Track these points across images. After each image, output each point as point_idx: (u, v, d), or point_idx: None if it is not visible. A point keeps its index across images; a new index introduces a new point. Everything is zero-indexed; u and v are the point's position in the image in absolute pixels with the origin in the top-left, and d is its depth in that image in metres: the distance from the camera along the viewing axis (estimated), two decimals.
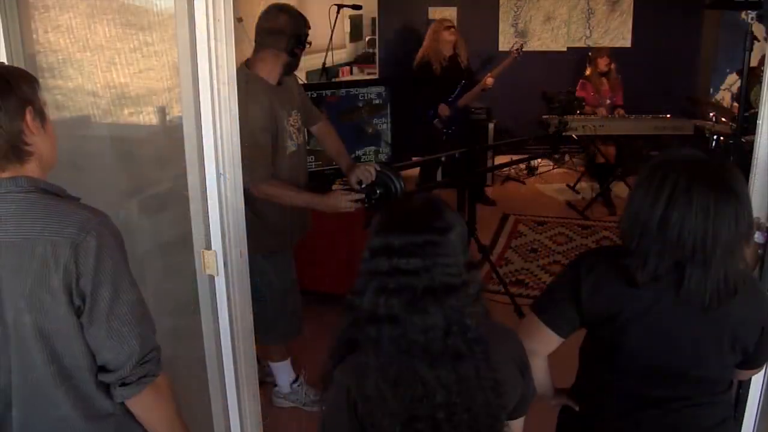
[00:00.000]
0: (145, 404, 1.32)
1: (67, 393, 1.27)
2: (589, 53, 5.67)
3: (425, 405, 1.17)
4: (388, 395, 1.18)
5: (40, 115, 1.30)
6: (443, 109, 4.90)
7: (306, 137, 2.72)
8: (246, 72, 2.40)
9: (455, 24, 5.30)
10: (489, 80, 4.87)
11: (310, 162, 3.22)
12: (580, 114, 5.32)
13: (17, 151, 1.25)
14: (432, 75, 4.89)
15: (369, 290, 1.19)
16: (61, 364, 1.25)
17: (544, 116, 5.08)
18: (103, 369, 1.28)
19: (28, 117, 1.25)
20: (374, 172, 2.49)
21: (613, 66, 5.49)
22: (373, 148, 3.79)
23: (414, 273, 1.16)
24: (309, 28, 2.49)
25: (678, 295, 1.32)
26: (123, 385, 1.28)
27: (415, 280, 1.16)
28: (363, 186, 2.50)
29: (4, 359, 1.27)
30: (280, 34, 2.40)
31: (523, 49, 5.07)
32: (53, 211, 1.25)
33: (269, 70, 2.44)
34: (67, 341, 1.25)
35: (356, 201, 2.42)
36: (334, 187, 3.32)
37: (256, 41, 2.46)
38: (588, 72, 5.59)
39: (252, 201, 2.34)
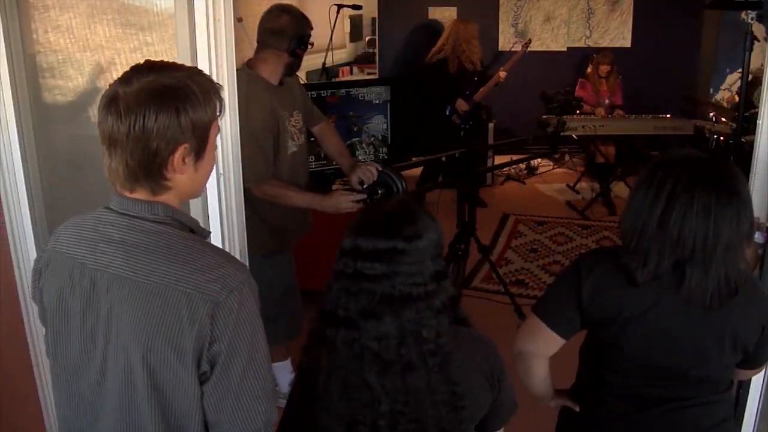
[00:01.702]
0: None
1: None
2: (594, 54, 5.67)
3: (369, 411, 1.17)
4: (334, 396, 1.19)
5: (198, 150, 1.11)
6: (461, 104, 4.91)
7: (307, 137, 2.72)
8: (248, 72, 2.40)
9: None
10: (502, 74, 4.96)
11: (309, 162, 3.22)
12: (580, 114, 5.32)
13: (150, 183, 1.10)
14: (447, 72, 4.90)
15: (333, 290, 1.20)
16: (168, 424, 1.10)
17: (544, 116, 5.08)
18: None
19: (177, 155, 1.08)
20: (376, 172, 2.49)
21: (612, 68, 5.50)
22: (356, 139, 3.81)
23: (376, 279, 1.16)
24: (311, 28, 2.50)
25: (678, 295, 1.32)
26: None
27: (376, 287, 1.16)
28: (364, 186, 2.50)
29: (89, 398, 1.15)
30: (282, 34, 2.40)
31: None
32: (193, 257, 1.08)
33: (271, 71, 2.44)
34: (180, 403, 1.09)
35: (358, 201, 2.42)
36: (334, 187, 3.32)
37: (258, 41, 2.46)
38: (588, 71, 5.60)
39: (252, 201, 2.34)
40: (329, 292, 1.21)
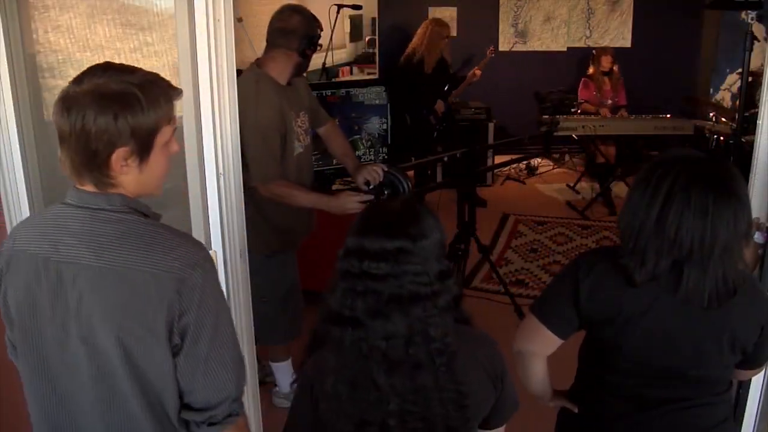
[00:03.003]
0: None
1: (155, 429, 1.19)
2: (594, 51, 5.68)
3: (378, 410, 1.18)
4: (343, 396, 1.19)
5: (142, 153, 1.15)
6: (440, 105, 4.93)
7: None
8: (257, 71, 2.40)
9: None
10: (478, 72, 5.14)
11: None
12: (580, 113, 5.32)
13: (94, 179, 1.15)
14: (424, 73, 4.90)
15: (339, 290, 1.21)
16: (149, 399, 1.17)
17: (544, 116, 5.09)
18: (188, 407, 1.19)
19: (114, 157, 1.12)
20: (381, 172, 2.49)
21: (616, 67, 5.50)
22: (357, 137, 3.81)
23: (382, 278, 1.16)
24: (321, 29, 2.50)
25: (677, 295, 1.32)
26: (210, 424, 1.19)
27: (382, 286, 1.16)
28: (370, 187, 2.50)
29: (66, 387, 1.20)
30: (292, 34, 2.40)
31: (498, 51, 5.63)
32: (155, 240, 1.15)
33: (280, 70, 2.44)
34: (157, 377, 1.16)
35: (364, 202, 2.42)
36: (334, 187, 3.32)
37: (267, 41, 2.46)
38: (591, 71, 5.60)
39: (256, 200, 2.34)
40: (334, 293, 1.21)
